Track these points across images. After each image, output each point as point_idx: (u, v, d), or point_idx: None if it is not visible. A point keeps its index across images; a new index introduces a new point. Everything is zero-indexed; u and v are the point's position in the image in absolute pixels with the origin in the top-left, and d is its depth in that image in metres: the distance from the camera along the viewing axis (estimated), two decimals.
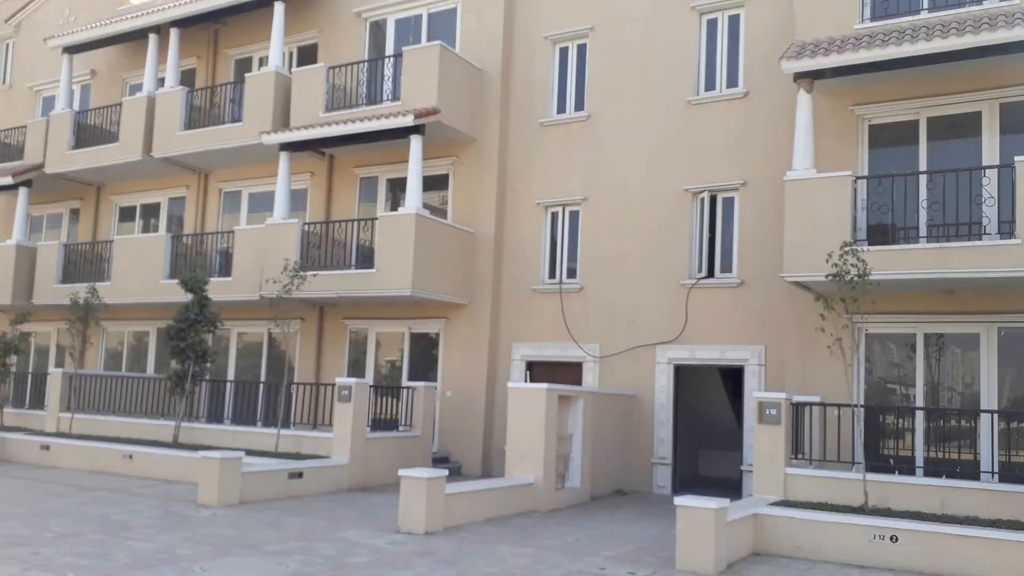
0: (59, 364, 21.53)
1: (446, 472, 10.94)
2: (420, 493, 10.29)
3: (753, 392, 13.25)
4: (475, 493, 11.60)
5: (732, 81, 15.37)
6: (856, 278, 10.37)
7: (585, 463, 13.46)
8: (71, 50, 21.74)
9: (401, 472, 10.57)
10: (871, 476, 10.46)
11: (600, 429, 13.97)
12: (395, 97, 16.88)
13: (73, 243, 21.75)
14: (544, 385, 12.71)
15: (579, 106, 16.77)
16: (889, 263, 11.50)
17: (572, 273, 16.49)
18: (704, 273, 15.03)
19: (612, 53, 16.43)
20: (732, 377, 15.43)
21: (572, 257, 16.55)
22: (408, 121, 15.80)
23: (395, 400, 16.01)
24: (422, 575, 8.14)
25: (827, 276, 10.69)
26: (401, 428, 15.55)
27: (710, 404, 16.47)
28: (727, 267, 15.00)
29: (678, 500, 8.93)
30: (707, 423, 16.58)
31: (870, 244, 11.97)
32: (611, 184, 16.01)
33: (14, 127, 23.36)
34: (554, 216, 16.86)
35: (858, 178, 12.51)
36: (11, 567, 7.83)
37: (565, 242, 16.67)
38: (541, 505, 12.27)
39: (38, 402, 19.87)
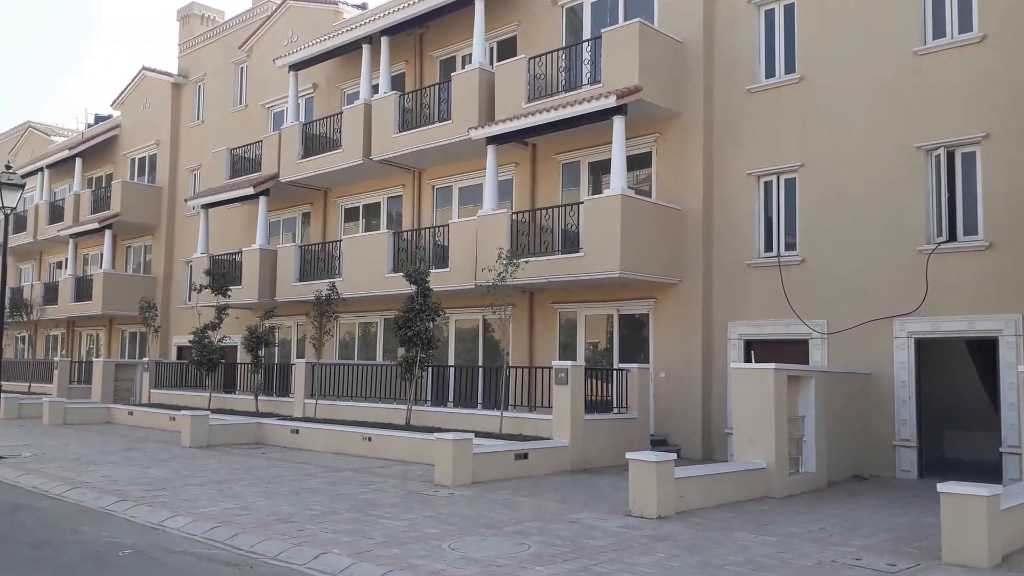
0: (300, 355, 23.58)
1: (675, 456, 10.78)
2: (650, 477, 10.19)
3: (1019, 367, 11.83)
4: (705, 478, 11.31)
5: (965, 25, 13.90)
6: None
7: (819, 446, 12.76)
8: (295, 67, 23.64)
9: (629, 455, 10.52)
10: None
11: (833, 410, 13.20)
12: (595, 80, 16.83)
13: (306, 244, 23.69)
14: (771, 365, 12.13)
15: (789, 68, 15.89)
16: None
17: (790, 245, 15.70)
18: (944, 237, 13.74)
19: (824, 8, 15.40)
20: (980, 350, 14.01)
21: (790, 228, 15.76)
22: (610, 103, 15.68)
23: (606, 383, 16.04)
24: (664, 561, 7.96)
25: None
26: (616, 410, 15.55)
27: (955, 380, 15.08)
28: (971, 229, 13.65)
29: (942, 486, 8.10)
30: (952, 401, 15.20)
31: None
32: (830, 148, 15.04)
33: (251, 143, 25.80)
34: (767, 186, 16.11)
35: None
36: (283, 543, 8.65)
37: (781, 212, 15.89)
38: (774, 491, 11.78)
39: (284, 390, 21.86)
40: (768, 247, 15.99)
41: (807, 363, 14.73)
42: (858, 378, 14.21)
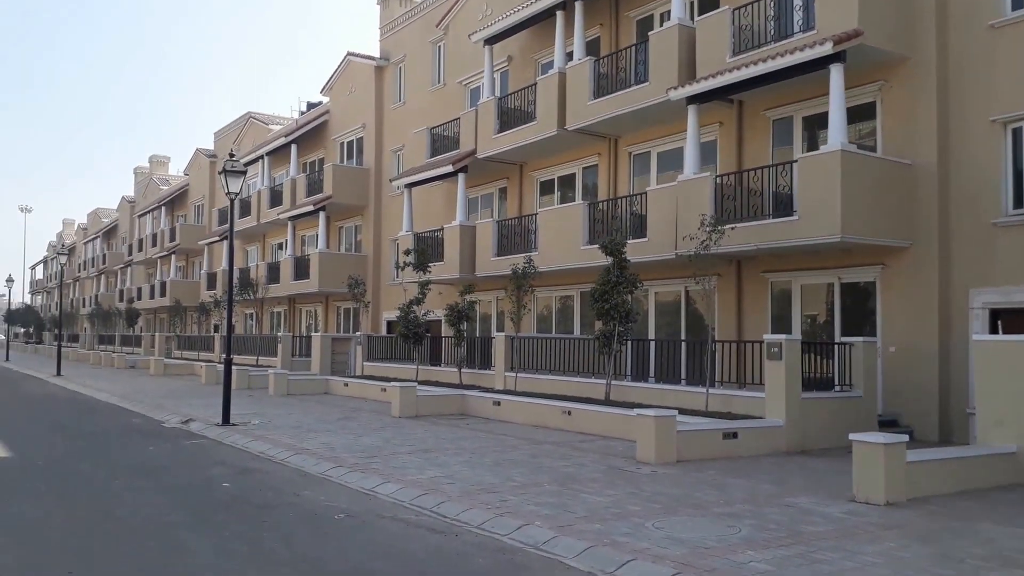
0: (500, 328, 23.86)
1: (906, 438, 9.65)
2: (877, 460, 9.19)
3: None
4: (941, 462, 10.10)
5: None
6: None
7: None
8: (490, 41, 23.75)
9: (852, 436, 9.56)
10: None
11: None
12: (808, 27, 15.41)
13: (503, 219, 23.83)
14: (1021, 337, 10.58)
15: None
16: None
17: None
18: None
19: None
20: None
21: None
22: (826, 50, 14.27)
23: (826, 358, 14.79)
24: (893, 551, 7.14)
25: None
26: (838, 388, 14.29)
27: None
28: None
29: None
30: None
31: None
32: None
33: (449, 121, 26.32)
34: (1016, 134, 14.04)
35: None
36: (487, 512, 8.56)
37: None
38: None
39: (486, 362, 22.21)
40: (1018, 203, 13.95)
41: None
42: None
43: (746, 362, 14.93)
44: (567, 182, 23.13)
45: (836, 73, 14.55)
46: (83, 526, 8.06)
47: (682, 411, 13.38)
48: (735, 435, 12.80)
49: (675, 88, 17.31)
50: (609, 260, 16.41)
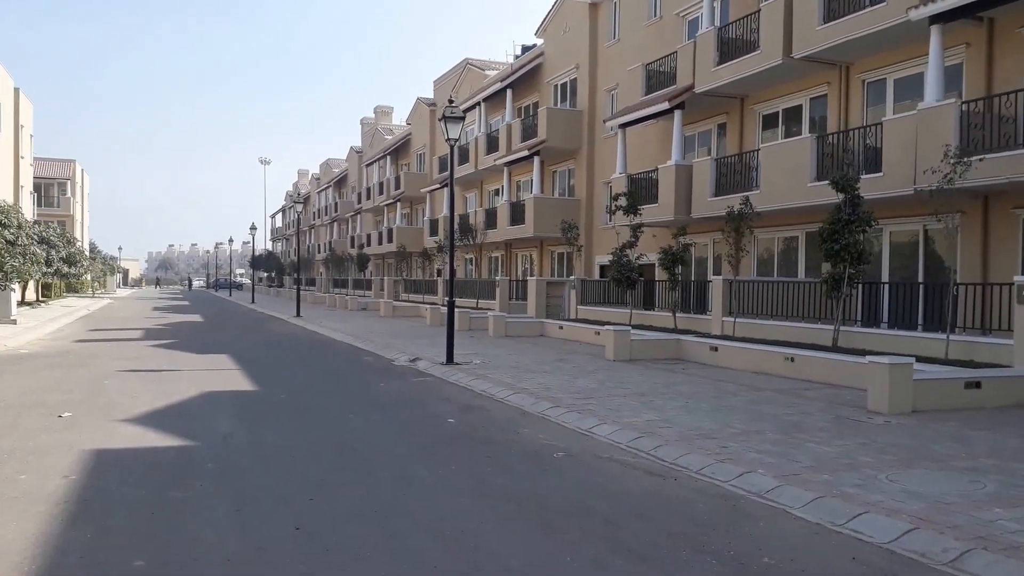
0: (716, 272, 23.15)
1: None
2: None
3: None
4: None
5: None
6: None
7: None
8: None
9: None
10: None
11: None
12: None
13: (722, 157, 22.88)
14: None
15: None
16: None
17: None
18: None
19: None
20: None
21: None
22: None
23: None
24: None
25: None
26: None
27: None
28: None
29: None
30: None
31: None
32: None
33: (665, 55, 25.48)
34: None
35: None
36: (706, 457, 8.41)
37: None
38: None
39: (701, 307, 21.69)
40: None
41: None
42: None
43: (992, 307, 13.63)
44: (792, 115, 21.72)
45: None
46: (321, 456, 8.79)
47: (919, 359, 12.41)
48: (978, 384, 11.68)
49: (916, 7, 15.59)
50: (840, 197, 15.37)
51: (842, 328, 15.80)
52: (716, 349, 17.38)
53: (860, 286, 16.49)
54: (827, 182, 16.13)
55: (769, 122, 22.55)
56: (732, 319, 19.05)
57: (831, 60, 19.24)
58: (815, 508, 6.73)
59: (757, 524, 6.47)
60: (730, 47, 21.79)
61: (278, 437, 9.74)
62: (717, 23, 22.90)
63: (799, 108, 21.37)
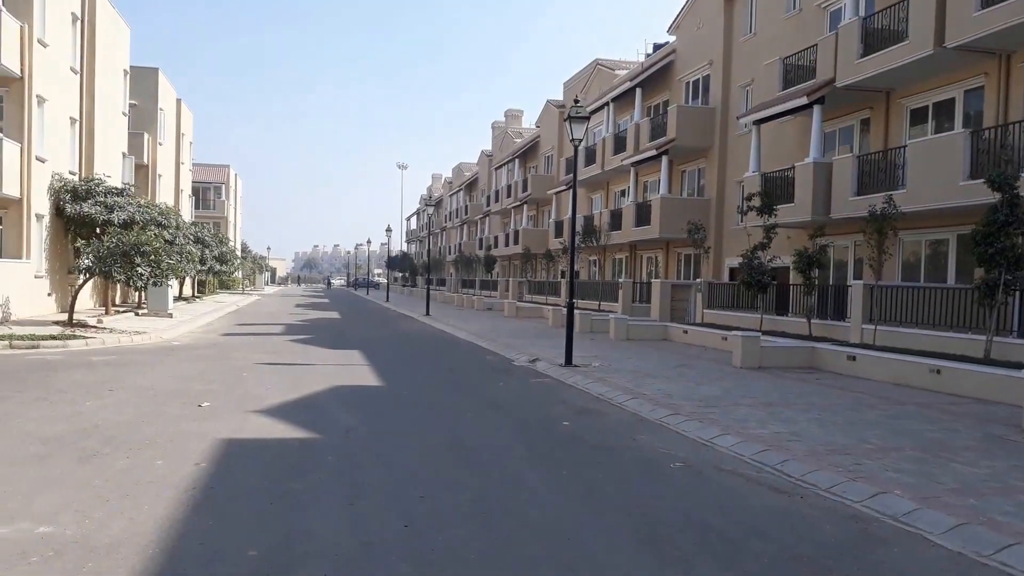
0: (856, 276, 21.86)
1: None
2: None
3: None
4: None
5: None
6: None
7: None
8: None
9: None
10: None
11: None
12: None
13: (865, 154, 21.57)
14: None
15: None
16: None
17: None
18: None
19: None
20: None
21: None
22: None
23: None
24: None
25: None
26: None
27: None
28: None
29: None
30: None
31: None
32: None
33: (804, 48, 24.32)
34: None
35: None
36: (837, 475, 7.86)
37: None
38: None
39: (839, 313, 20.53)
40: None
41: None
42: None
43: None
44: (943, 109, 20.21)
45: None
46: (436, 453, 8.82)
47: None
48: None
49: None
50: (995, 197, 14.16)
51: (996, 339, 14.55)
52: (854, 358, 16.38)
53: (1017, 293, 15.14)
54: (981, 180, 14.91)
55: (917, 117, 21.08)
56: (872, 327, 17.92)
57: (989, 49, 17.74)
58: (957, 535, 6.14)
59: (890, 550, 5.95)
60: (875, 38, 20.51)
61: (397, 433, 9.88)
62: (861, 13, 21.61)
63: (951, 101, 19.86)
